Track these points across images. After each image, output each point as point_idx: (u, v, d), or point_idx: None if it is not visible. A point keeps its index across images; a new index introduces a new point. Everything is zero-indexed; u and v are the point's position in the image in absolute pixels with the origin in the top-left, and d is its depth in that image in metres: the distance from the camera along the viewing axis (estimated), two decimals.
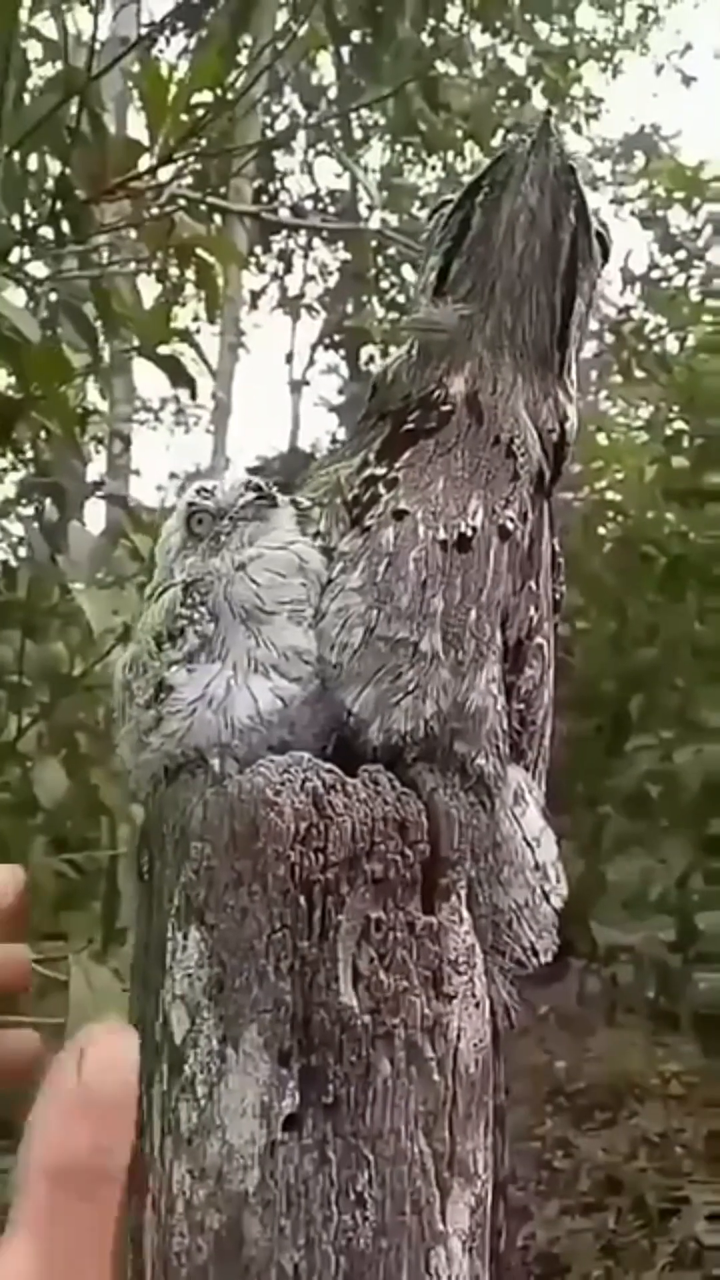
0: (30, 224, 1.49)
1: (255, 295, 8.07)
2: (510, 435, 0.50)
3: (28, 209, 1.57)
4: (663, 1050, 3.75)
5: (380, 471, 0.49)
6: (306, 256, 8.03)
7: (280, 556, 0.46)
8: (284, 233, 7.75)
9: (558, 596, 0.53)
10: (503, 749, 0.46)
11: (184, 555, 0.47)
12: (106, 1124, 0.34)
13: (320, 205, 7.29)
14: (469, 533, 0.47)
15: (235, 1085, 0.40)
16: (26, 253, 1.62)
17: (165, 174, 1.72)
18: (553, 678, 0.52)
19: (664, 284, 4.99)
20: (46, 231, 1.75)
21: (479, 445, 0.49)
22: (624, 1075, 3.67)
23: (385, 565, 0.46)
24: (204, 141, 1.76)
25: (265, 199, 7.10)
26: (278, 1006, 0.40)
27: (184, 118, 1.53)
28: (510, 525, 0.48)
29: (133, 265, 1.90)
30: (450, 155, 5.76)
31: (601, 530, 4.79)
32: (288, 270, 8.05)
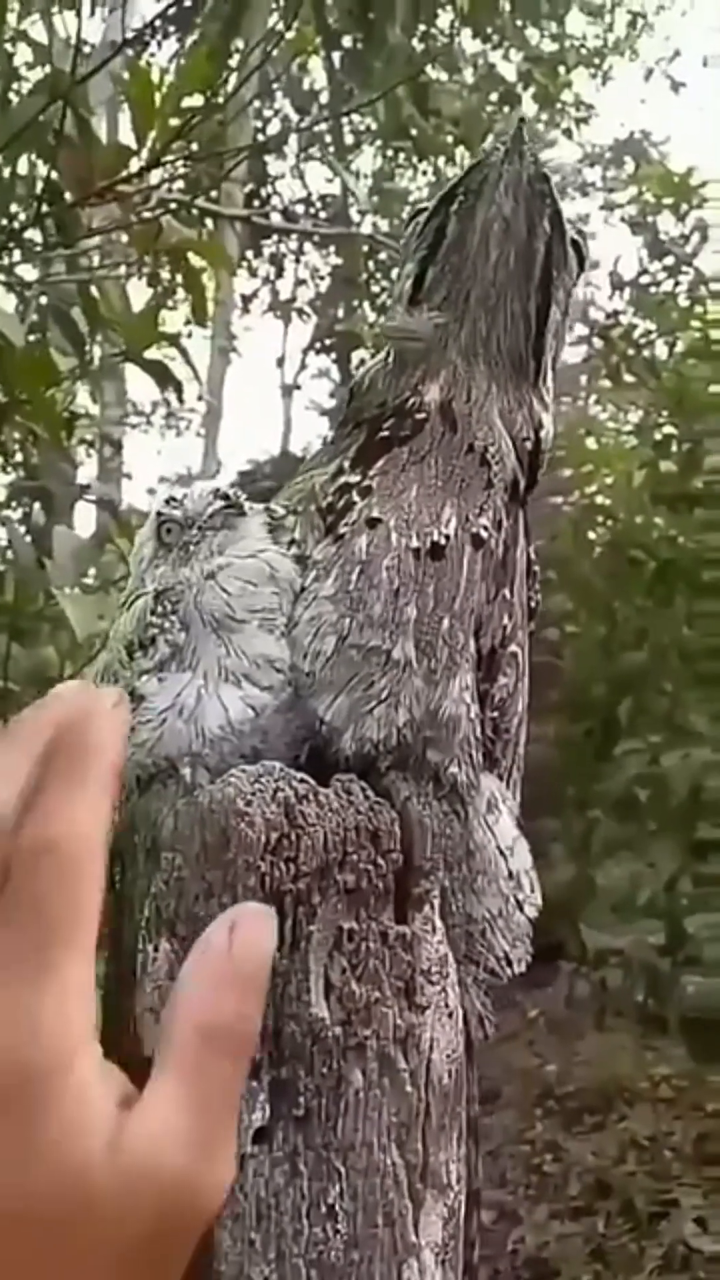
0: (17, 227, 1.49)
1: (246, 299, 8.08)
2: (484, 443, 0.50)
3: (15, 212, 1.57)
4: (652, 1054, 3.75)
5: (354, 479, 0.49)
6: (298, 261, 8.04)
7: (250, 565, 0.46)
8: (275, 237, 7.76)
9: (533, 604, 0.53)
10: (476, 757, 0.46)
11: (155, 564, 0.47)
12: (249, 994, 0.35)
13: (312, 210, 7.29)
14: (442, 541, 0.47)
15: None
16: (16, 256, 1.62)
17: (155, 178, 1.72)
18: (527, 686, 0.52)
19: (653, 289, 5.01)
20: (34, 235, 1.75)
21: (452, 453, 0.49)
22: (613, 1079, 3.67)
23: (358, 573, 0.46)
24: (194, 145, 1.76)
25: (257, 203, 7.11)
26: None
27: (173, 121, 1.53)
28: (484, 533, 0.48)
29: (122, 269, 1.90)
30: (441, 160, 5.78)
31: (591, 535, 4.80)
32: (279, 274, 8.06)
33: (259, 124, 6.79)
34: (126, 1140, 0.32)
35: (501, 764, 0.49)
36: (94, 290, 1.67)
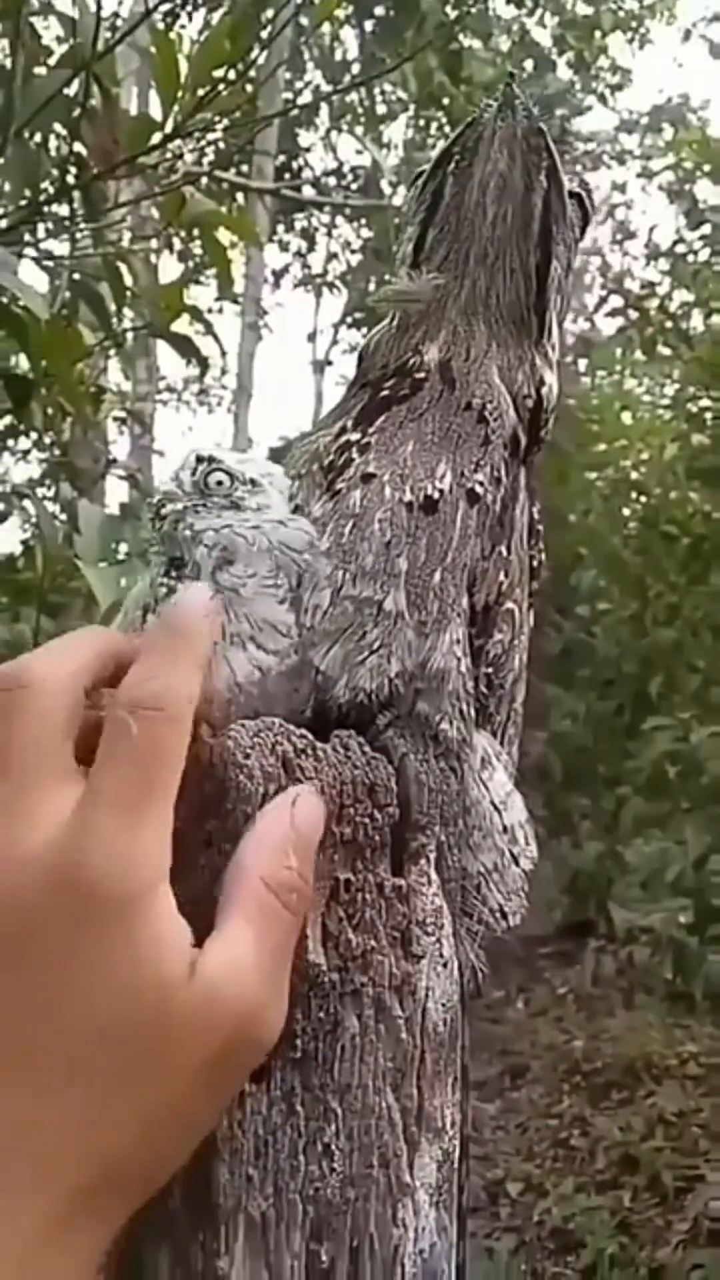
0: (42, 200, 1.50)
1: (277, 275, 8.05)
2: (482, 401, 0.50)
3: (43, 187, 1.58)
4: (680, 1031, 3.76)
5: (355, 437, 0.50)
6: (330, 235, 7.98)
7: (252, 538, 0.47)
8: (306, 211, 7.71)
9: (535, 563, 0.53)
10: (467, 712, 0.47)
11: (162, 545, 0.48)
12: (306, 860, 0.40)
13: (343, 182, 7.23)
14: (435, 495, 0.47)
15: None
16: (43, 231, 1.63)
17: (181, 149, 1.72)
18: (526, 643, 0.52)
19: (690, 258, 4.93)
20: (61, 210, 1.76)
21: (450, 410, 0.50)
22: (641, 1055, 3.69)
23: (351, 526, 0.47)
24: (220, 118, 1.76)
25: (288, 176, 7.06)
26: None
27: (200, 92, 1.52)
28: (479, 489, 0.48)
29: (151, 243, 1.90)
30: None
31: (625, 511, 4.76)
32: (310, 249, 8.01)
33: (290, 96, 6.73)
34: (203, 966, 0.36)
35: (496, 719, 0.50)
36: (120, 264, 1.67)
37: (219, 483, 0.48)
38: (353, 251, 7.88)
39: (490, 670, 0.49)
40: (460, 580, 0.47)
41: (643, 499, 4.58)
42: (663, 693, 3.51)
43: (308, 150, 7.59)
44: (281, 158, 6.95)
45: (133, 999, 0.35)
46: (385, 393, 0.51)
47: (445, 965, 0.45)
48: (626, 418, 5.62)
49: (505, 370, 0.51)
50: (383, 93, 6.31)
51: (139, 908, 0.36)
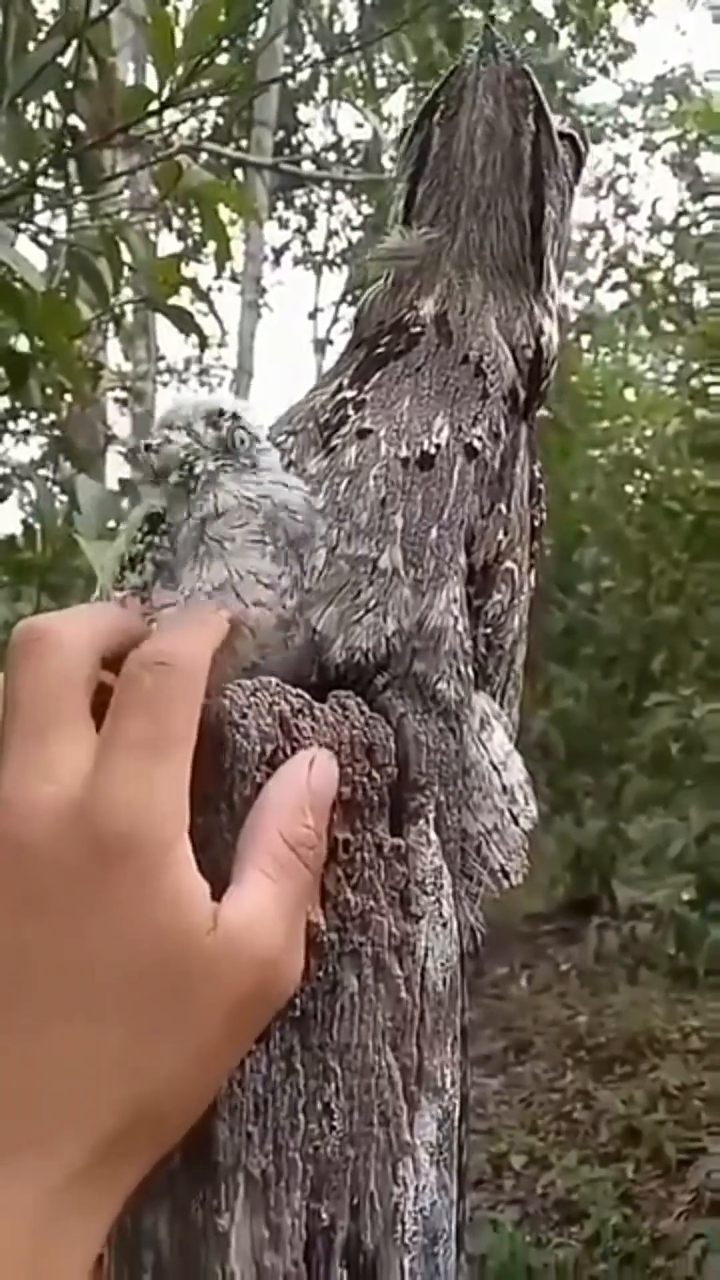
0: (37, 171, 1.48)
1: (277, 252, 7.98)
2: (479, 353, 0.50)
3: (36, 160, 1.56)
4: (683, 1006, 3.78)
5: (351, 394, 0.49)
6: (330, 211, 7.91)
7: (232, 505, 0.46)
8: (307, 187, 7.63)
9: (537, 523, 0.53)
10: (465, 672, 0.46)
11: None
12: (322, 819, 0.41)
13: (343, 157, 7.16)
14: (432, 450, 0.46)
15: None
16: (40, 205, 1.61)
17: (176, 119, 1.70)
18: (526, 604, 0.51)
19: (693, 231, 4.88)
20: (56, 185, 1.74)
21: (447, 364, 0.49)
22: (644, 1030, 3.71)
23: (346, 483, 0.46)
24: (215, 87, 1.73)
25: (288, 151, 6.99)
26: None
27: (197, 61, 1.50)
28: (477, 444, 0.48)
29: (151, 222, 1.88)
30: None
31: (628, 488, 4.74)
32: (310, 225, 7.94)
33: (289, 69, 6.65)
34: (225, 914, 0.37)
35: (495, 680, 0.49)
36: (118, 239, 1.66)
37: (242, 441, 0.47)
38: (353, 228, 7.82)
39: (489, 630, 0.48)
40: (458, 538, 0.46)
41: (646, 476, 4.55)
42: (666, 670, 3.51)
43: (307, 126, 7.51)
44: (281, 133, 6.88)
45: (157, 946, 0.36)
46: (381, 349, 0.50)
47: (445, 925, 0.45)
48: (630, 394, 5.58)
49: (503, 321, 0.51)
50: (382, 66, 6.24)
51: (160, 856, 0.36)
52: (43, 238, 1.77)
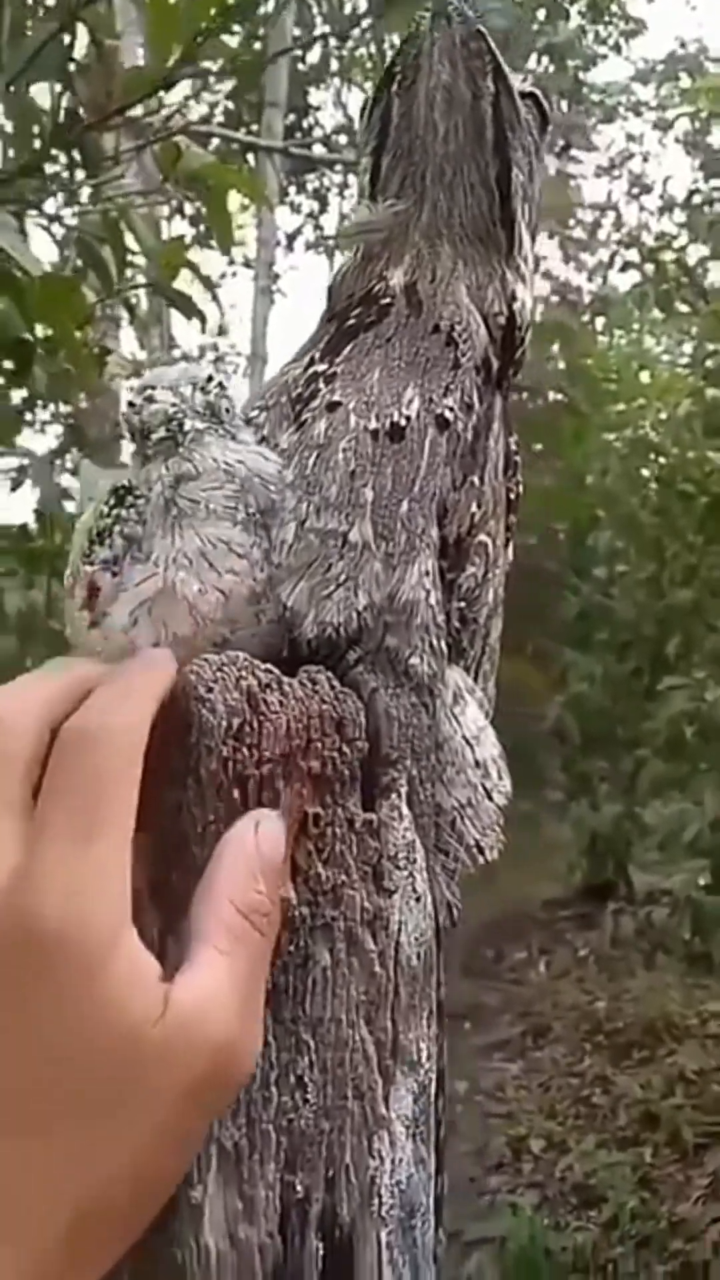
0: (36, 155, 1.48)
1: (290, 237, 7.95)
2: (450, 322, 0.49)
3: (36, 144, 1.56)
4: (700, 991, 3.77)
5: (322, 368, 0.49)
6: (342, 195, 7.87)
7: (211, 467, 0.46)
8: (319, 171, 7.59)
9: (512, 496, 0.52)
10: (438, 646, 0.46)
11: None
12: (274, 882, 0.40)
13: (355, 139, 7.10)
14: (402, 421, 0.46)
15: (173, 973, 0.41)
16: (41, 189, 1.61)
17: (179, 105, 1.69)
18: (502, 578, 0.51)
19: (706, 209, 4.81)
20: (59, 169, 1.73)
21: (417, 334, 0.49)
22: (662, 1015, 3.71)
23: (315, 457, 0.46)
24: (218, 67, 1.72)
25: (299, 135, 6.95)
26: None
27: (198, 41, 1.49)
28: (449, 415, 0.47)
29: (153, 200, 1.87)
30: None
31: (643, 471, 4.70)
32: (323, 210, 7.90)
33: (299, 53, 6.61)
34: (176, 997, 0.35)
35: (469, 654, 0.49)
36: (123, 224, 1.65)
37: (227, 410, 0.47)
38: None
39: (463, 604, 0.48)
40: (429, 510, 0.46)
41: (660, 459, 4.51)
42: (680, 653, 3.48)
43: (318, 109, 7.47)
44: (292, 116, 6.84)
45: (103, 1044, 0.34)
46: (352, 321, 0.50)
47: (418, 900, 0.45)
48: (645, 377, 5.53)
49: (474, 289, 0.50)
50: (392, 46, 6.19)
51: (99, 950, 0.34)
52: (54, 227, 1.77)
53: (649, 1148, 3.23)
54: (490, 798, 0.47)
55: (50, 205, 1.70)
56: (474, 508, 0.47)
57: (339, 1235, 0.43)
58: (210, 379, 0.46)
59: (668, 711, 3.20)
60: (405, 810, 0.45)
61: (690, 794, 3.31)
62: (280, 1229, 0.42)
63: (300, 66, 6.59)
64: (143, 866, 0.41)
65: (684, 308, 5.18)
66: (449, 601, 0.47)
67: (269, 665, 0.43)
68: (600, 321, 6.26)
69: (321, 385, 0.48)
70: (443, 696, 0.46)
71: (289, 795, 0.42)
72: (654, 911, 3.81)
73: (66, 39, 1.43)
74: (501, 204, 0.51)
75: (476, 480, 0.48)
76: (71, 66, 1.35)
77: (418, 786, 0.45)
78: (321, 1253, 0.42)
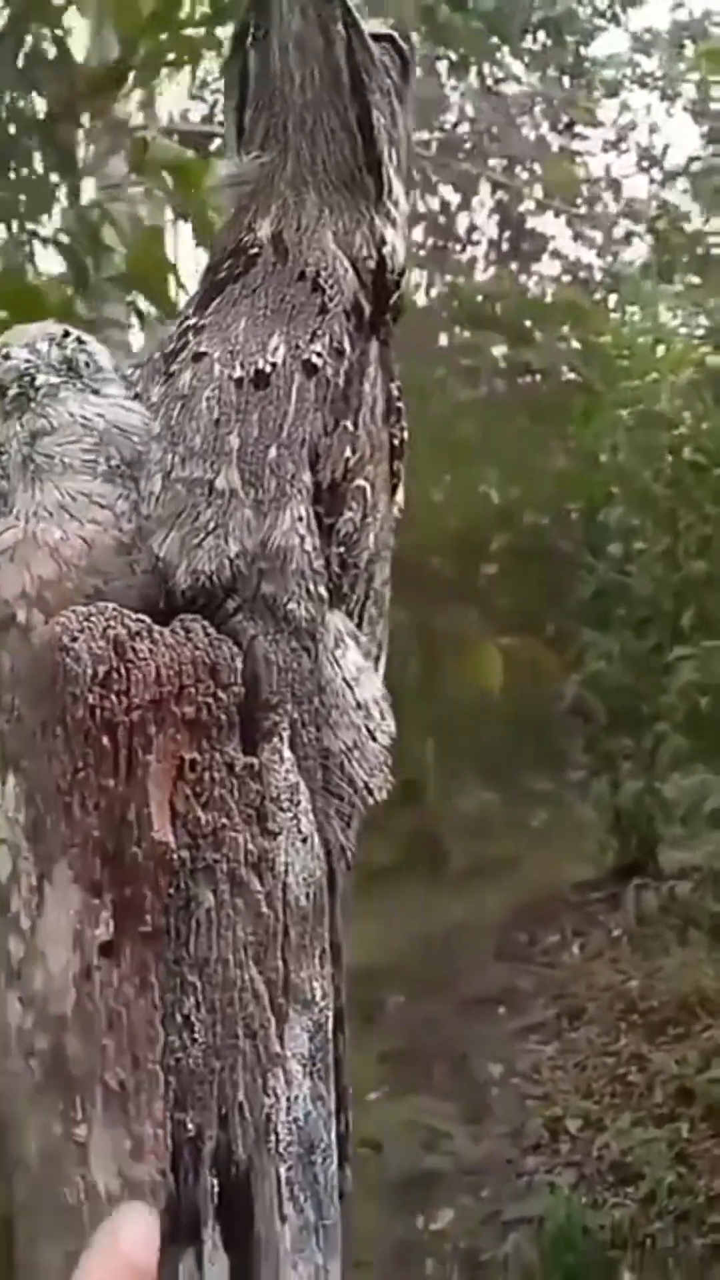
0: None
1: None
2: (316, 269, 0.49)
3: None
4: None
5: (192, 321, 0.49)
6: None
7: (67, 421, 0.46)
8: None
9: (396, 442, 0.52)
10: (315, 591, 0.46)
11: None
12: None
13: None
14: (267, 369, 0.46)
15: (52, 916, 0.42)
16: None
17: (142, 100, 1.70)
18: (383, 522, 0.51)
19: (715, 178, 4.73)
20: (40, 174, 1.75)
21: (283, 282, 0.49)
22: (695, 991, 3.69)
23: (180, 408, 0.46)
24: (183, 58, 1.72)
25: None
26: (86, 842, 0.42)
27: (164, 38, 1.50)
28: (316, 360, 0.47)
29: (140, 203, 1.89)
30: (486, 63, 5.51)
31: (659, 442, 4.64)
32: None
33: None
34: None
35: (351, 599, 0.49)
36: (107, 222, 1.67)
37: (86, 364, 0.48)
38: None
39: (342, 549, 0.48)
40: (300, 456, 0.46)
41: (674, 432, 4.46)
42: (695, 625, 3.44)
43: None
44: None
45: None
46: (223, 274, 0.50)
47: (304, 841, 0.45)
48: (660, 350, 5.46)
49: (341, 235, 0.50)
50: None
51: None
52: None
53: (685, 1123, 3.21)
54: (374, 738, 0.48)
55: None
56: (348, 452, 0.48)
57: (235, 1172, 0.44)
58: (67, 334, 0.46)
59: (677, 683, 3.16)
60: (287, 753, 0.45)
61: (712, 767, 3.27)
62: (173, 1167, 0.42)
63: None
64: (25, 811, 0.42)
65: (696, 280, 5.11)
66: (328, 547, 0.47)
67: (140, 614, 0.44)
68: (613, 299, 6.19)
69: (190, 338, 0.48)
70: (324, 641, 0.47)
71: (162, 741, 0.43)
72: (676, 886, 3.78)
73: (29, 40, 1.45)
74: (365, 147, 0.51)
75: (350, 425, 0.48)
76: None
77: (300, 730, 0.46)
78: (217, 1189, 0.43)
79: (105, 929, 0.42)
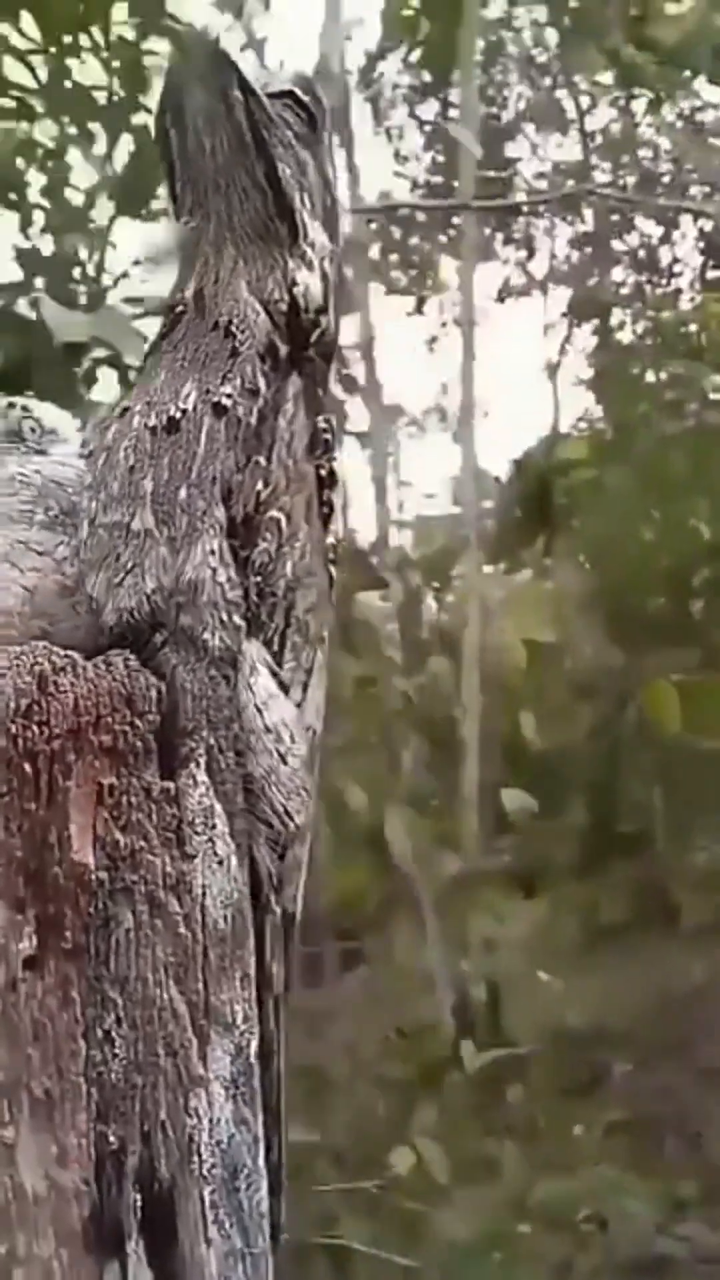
0: None
1: (502, 291, 8.02)
2: (229, 317, 0.52)
3: None
4: None
5: (133, 382, 0.53)
6: (551, 236, 7.84)
7: (14, 474, 0.51)
8: (526, 218, 7.64)
9: (324, 473, 0.53)
10: (230, 620, 0.48)
11: None
12: None
13: (558, 179, 7.10)
14: (178, 415, 0.50)
15: None
16: None
17: None
18: (304, 550, 0.52)
19: None
20: None
21: (201, 334, 0.53)
22: None
23: (103, 459, 0.50)
24: None
25: (500, 185, 7.05)
26: (10, 861, 0.45)
27: None
28: (226, 401, 0.50)
29: None
30: (677, 96, 5.38)
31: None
32: (530, 256, 7.92)
33: (494, 109, 6.74)
34: None
35: (269, 626, 0.50)
36: None
37: (32, 429, 0.53)
38: (573, 246, 7.71)
39: (259, 579, 0.50)
40: (212, 493, 0.49)
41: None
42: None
43: (518, 160, 7.55)
44: (491, 172, 6.97)
45: None
46: (158, 336, 0.54)
47: (221, 863, 0.47)
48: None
49: (254, 282, 0.53)
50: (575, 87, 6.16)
51: None
52: None
53: None
54: (285, 761, 0.48)
55: None
56: (260, 486, 0.50)
57: (159, 1189, 0.45)
58: (12, 405, 0.52)
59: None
60: (203, 778, 0.47)
61: None
62: (96, 1177, 0.44)
63: (497, 123, 6.70)
64: None
65: None
66: (245, 577, 0.49)
67: (69, 652, 0.47)
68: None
69: (128, 398, 0.53)
70: (241, 669, 0.48)
71: (82, 767, 0.46)
72: None
73: None
74: (275, 198, 0.54)
75: (263, 460, 0.50)
76: None
77: (217, 755, 0.47)
78: (141, 1204, 0.45)
79: (29, 943, 0.45)
